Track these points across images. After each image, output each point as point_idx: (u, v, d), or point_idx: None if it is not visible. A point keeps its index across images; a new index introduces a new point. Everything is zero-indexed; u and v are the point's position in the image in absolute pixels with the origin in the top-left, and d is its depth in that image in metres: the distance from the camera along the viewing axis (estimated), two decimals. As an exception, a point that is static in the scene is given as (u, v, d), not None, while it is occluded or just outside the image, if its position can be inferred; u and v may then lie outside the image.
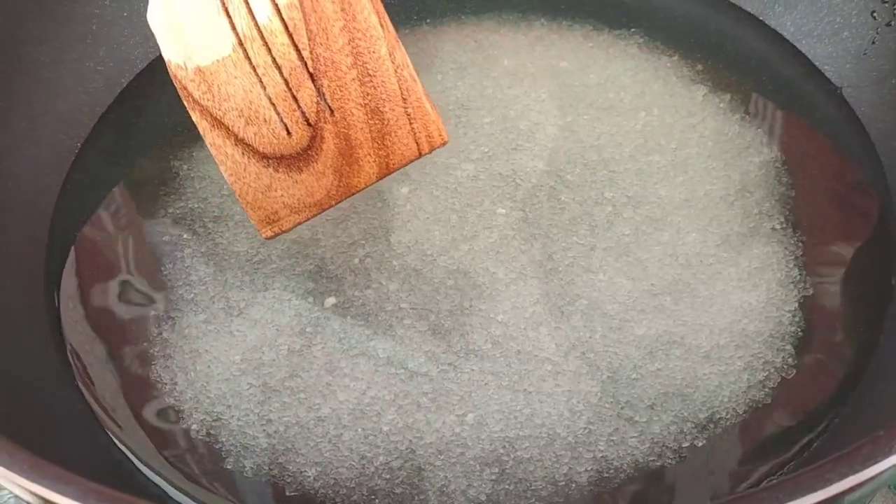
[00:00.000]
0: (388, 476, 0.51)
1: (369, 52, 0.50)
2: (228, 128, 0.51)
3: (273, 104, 0.50)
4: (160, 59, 0.52)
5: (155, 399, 0.54)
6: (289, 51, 0.50)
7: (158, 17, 0.50)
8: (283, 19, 0.49)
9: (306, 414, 0.53)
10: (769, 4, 0.68)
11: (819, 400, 0.53)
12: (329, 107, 0.50)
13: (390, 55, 0.50)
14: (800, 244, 0.58)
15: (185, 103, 0.51)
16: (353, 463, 0.51)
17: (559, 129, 0.63)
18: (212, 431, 0.53)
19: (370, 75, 0.50)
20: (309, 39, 0.49)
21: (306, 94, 0.50)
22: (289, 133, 0.51)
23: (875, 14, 0.64)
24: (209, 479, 0.52)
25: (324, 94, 0.50)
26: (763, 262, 0.57)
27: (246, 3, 0.49)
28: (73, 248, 0.60)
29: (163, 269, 0.59)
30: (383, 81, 0.50)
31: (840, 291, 0.57)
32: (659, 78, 0.66)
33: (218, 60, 0.50)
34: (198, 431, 0.53)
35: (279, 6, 0.49)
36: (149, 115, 0.65)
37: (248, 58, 0.50)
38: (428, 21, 0.69)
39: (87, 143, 0.64)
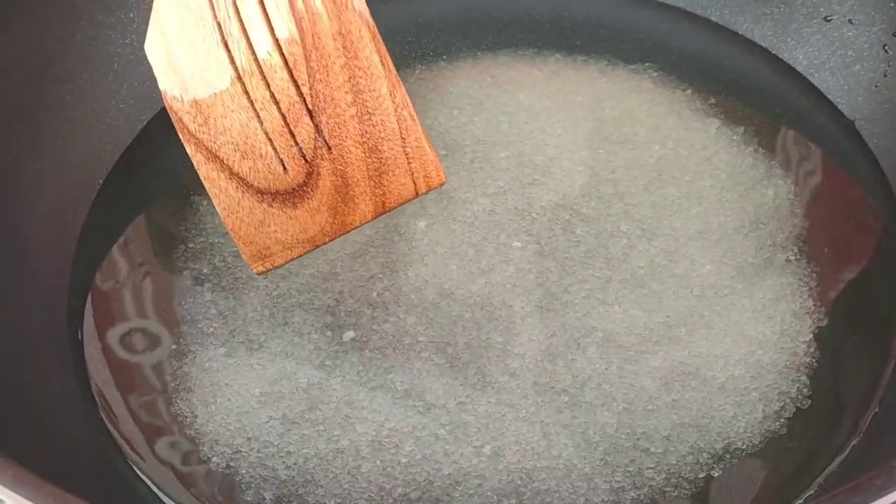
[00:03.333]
0: (406, 507, 0.51)
1: (370, 91, 0.50)
2: (223, 161, 0.51)
3: (270, 139, 0.51)
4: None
5: (176, 432, 0.55)
6: (288, 86, 0.50)
7: (156, 49, 0.51)
8: (283, 54, 0.50)
9: (325, 446, 0.53)
10: (782, 38, 0.69)
11: (834, 430, 0.53)
12: (327, 143, 0.51)
13: (391, 94, 0.50)
14: (813, 275, 0.58)
15: (181, 135, 0.51)
16: (372, 494, 0.52)
17: (574, 163, 0.64)
18: (231, 463, 0.53)
19: (369, 113, 0.50)
20: (309, 76, 0.50)
21: (304, 130, 0.50)
22: (284, 169, 0.51)
23: (886, 48, 0.65)
24: (229, 511, 0.52)
25: (322, 131, 0.50)
26: (777, 293, 0.57)
27: (246, 36, 0.50)
28: (95, 282, 0.61)
29: (183, 303, 0.59)
30: (382, 120, 0.50)
31: (854, 321, 0.57)
32: (673, 111, 0.66)
33: (215, 93, 0.50)
34: (218, 464, 0.54)
35: (280, 41, 0.50)
36: (170, 150, 0.65)
37: (247, 92, 0.50)
38: (444, 57, 0.70)
39: (109, 179, 0.64)
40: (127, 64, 0.66)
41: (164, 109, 0.62)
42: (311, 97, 0.50)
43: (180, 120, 0.51)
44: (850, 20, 0.66)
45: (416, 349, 0.56)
